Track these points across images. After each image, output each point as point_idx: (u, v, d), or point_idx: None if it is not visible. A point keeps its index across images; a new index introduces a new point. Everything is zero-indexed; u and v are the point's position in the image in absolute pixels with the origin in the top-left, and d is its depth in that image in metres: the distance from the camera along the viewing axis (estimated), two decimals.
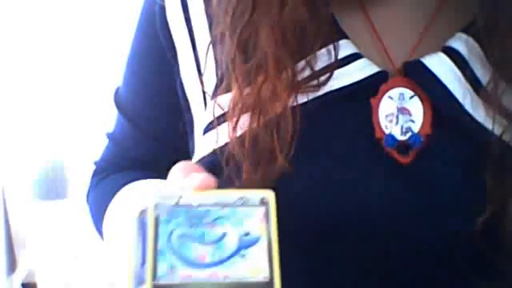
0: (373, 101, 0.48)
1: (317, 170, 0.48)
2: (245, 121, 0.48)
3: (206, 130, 0.52)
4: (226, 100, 0.49)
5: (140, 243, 0.37)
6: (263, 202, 0.38)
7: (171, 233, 0.36)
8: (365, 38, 0.50)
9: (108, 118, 0.65)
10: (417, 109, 0.48)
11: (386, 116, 0.48)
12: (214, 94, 0.51)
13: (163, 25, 0.54)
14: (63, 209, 1.79)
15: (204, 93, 0.53)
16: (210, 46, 0.52)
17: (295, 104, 0.47)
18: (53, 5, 1.84)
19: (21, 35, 1.85)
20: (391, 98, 0.48)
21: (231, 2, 0.48)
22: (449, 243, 0.47)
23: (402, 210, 0.47)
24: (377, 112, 0.48)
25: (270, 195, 0.38)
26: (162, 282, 0.35)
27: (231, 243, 0.37)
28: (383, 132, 0.48)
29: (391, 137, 0.47)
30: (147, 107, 0.59)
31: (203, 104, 0.53)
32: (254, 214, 0.38)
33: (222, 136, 0.50)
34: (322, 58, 0.48)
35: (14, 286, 1.80)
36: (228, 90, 0.49)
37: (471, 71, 0.48)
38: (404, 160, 0.47)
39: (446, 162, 0.47)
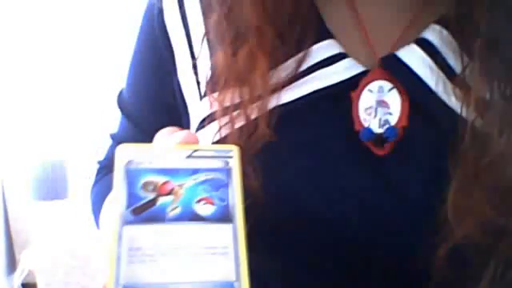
0: (353, 94, 0.49)
1: (293, 163, 0.49)
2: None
3: (198, 128, 0.53)
4: (217, 98, 0.51)
5: (124, 190, 0.40)
6: (228, 156, 0.42)
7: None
8: (351, 35, 0.51)
9: (108, 119, 0.66)
10: (395, 101, 0.49)
11: (366, 109, 0.49)
12: (208, 88, 0.52)
13: (161, 27, 0.55)
14: (63, 209, 1.79)
15: (199, 90, 0.54)
16: (205, 38, 0.53)
17: (274, 105, 0.49)
18: (54, 4, 1.84)
19: (22, 35, 1.85)
20: (371, 91, 0.49)
21: None
22: (422, 234, 0.46)
23: (377, 202, 0.47)
24: (357, 105, 0.49)
25: (235, 149, 0.42)
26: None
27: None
28: (362, 125, 0.48)
29: (368, 130, 0.48)
30: (148, 109, 0.60)
31: (199, 100, 0.54)
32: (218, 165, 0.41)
33: (213, 133, 0.51)
34: (304, 61, 0.50)
35: (14, 286, 1.80)
36: (215, 90, 0.51)
37: (443, 59, 0.48)
38: (380, 152, 0.48)
39: (420, 154, 0.48)
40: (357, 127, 0.48)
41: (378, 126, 0.48)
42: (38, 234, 1.80)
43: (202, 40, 0.53)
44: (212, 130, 0.51)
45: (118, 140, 0.64)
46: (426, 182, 0.47)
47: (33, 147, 1.85)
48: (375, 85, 0.49)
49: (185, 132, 0.43)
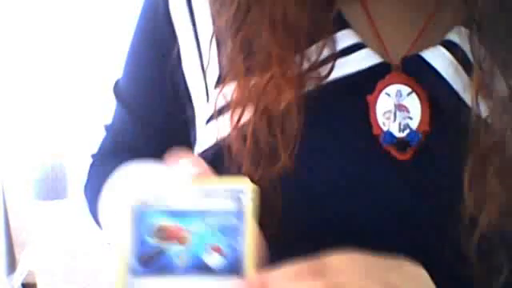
0: (370, 98, 0.48)
1: (317, 168, 0.48)
2: (246, 117, 0.48)
3: (209, 120, 0.52)
4: (229, 91, 0.49)
5: (132, 234, 0.38)
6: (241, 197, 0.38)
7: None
8: (364, 33, 0.50)
9: (108, 119, 0.65)
10: (414, 106, 0.48)
11: (384, 113, 0.48)
12: (217, 85, 0.51)
13: (166, 16, 0.54)
14: (63, 209, 1.79)
15: (206, 84, 0.53)
16: (213, 38, 0.52)
17: (299, 96, 0.47)
18: (52, 3, 1.84)
19: (20, 36, 1.84)
20: (388, 94, 0.48)
21: (228, 3, 0.49)
22: (448, 240, 0.46)
23: (402, 207, 0.47)
24: (374, 109, 0.48)
25: (252, 188, 0.39)
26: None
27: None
28: (381, 129, 0.48)
29: (389, 134, 0.47)
30: (147, 97, 0.59)
31: (205, 95, 0.53)
32: (231, 209, 0.38)
33: (224, 126, 0.50)
34: (323, 50, 0.48)
35: (14, 286, 1.80)
36: (231, 81, 0.49)
37: (470, 63, 0.47)
38: (403, 157, 0.47)
39: (445, 159, 0.47)
40: (376, 131, 0.48)
41: (397, 130, 0.47)
42: (37, 234, 1.80)
43: (211, 42, 0.52)
44: (225, 121, 0.49)
45: (112, 131, 0.64)
46: (453, 187, 0.46)
47: (33, 147, 1.84)
48: (393, 88, 0.48)
49: (194, 165, 0.40)
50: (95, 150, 0.66)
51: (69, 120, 1.86)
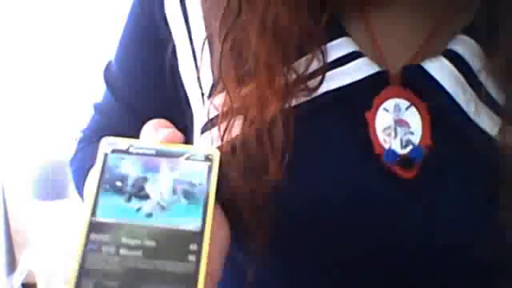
0: (368, 115, 0.46)
1: (316, 184, 0.46)
2: (235, 128, 0.47)
3: (203, 130, 0.51)
4: (220, 101, 0.48)
5: (101, 177, 0.41)
6: (208, 159, 0.42)
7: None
8: (362, 42, 0.48)
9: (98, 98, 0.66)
10: (415, 119, 0.46)
11: (384, 129, 0.46)
12: (210, 94, 0.50)
13: (161, 14, 0.54)
14: (63, 209, 1.78)
15: (202, 92, 0.52)
16: (206, 43, 0.51)
17: (287, 107, 0.46)
18: (56, 5, 1.84)
19: (21, 36, 1.84)
20: (386, 110, 0.46)
21: (220, 5, 0.48)
22: (452, 258, 0.45)
23: (408, 226, 0.45)
24: (373, 126, 0.46)
25: (214, 153, 0.42)
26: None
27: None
28: (382, 147, 0.45)
29: (391, 151, 0.45)
30: (138, 88, 0.59)
31: (201, 101, 0.52)
32: (197, 167, 0.41)
33: (217, 137, 0.49)
34: (312, 63, 0.46)
35: (14, 286, 1.80)
36: (221, 89, 0.48)
37: (473, 74, 0.45)
38: (407, 174, 0.45)
39: (451, 175, 0.45)
40: (377, 150, 0.45)
41: (400, 146, 0.45)
42: (38, 234, 1.80)
43: (203, 47, 0.51)
44: (217, 133, 0.49)
45: (99, 112, 0.64)
46: (463, 206, 0.44)
47: (33, 147, 1.84)
48: (391, 103, 0.46)
49: (170, 130, 0.43)
50: (83, 125, 0.68)
51: (69, 120, 1.85)
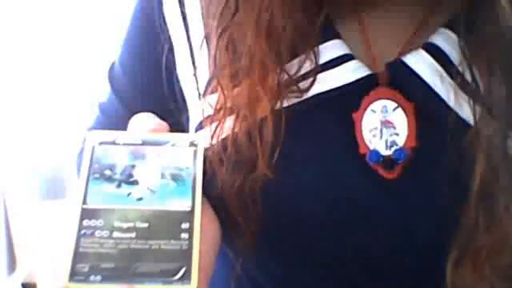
0: (355, 115, 0.47)
1: (303, 183, 0.47)
2: (227, 126, 0.48)
3: (198, 128, 0.52)
4: (214, 100, 0.49)
5: (89, 168, 0.42)
6: (193, 144, 0.43)
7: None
8: (356, 43, 0.49)
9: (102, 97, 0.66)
10: (401, 121, 0.46)
11: (370, 130, 0.47)
12: (205, 92, 0.51)
13: (160, 18, 0.54)
14: (63, 209, 1.78)
15: (199, 91, 0.53)
16: (204, 43, 0.51)
17: (278, 107, 0.47)
18: (53, 5, 1.84)
19: (23, 37, 1.85)
20: (374, 111, 0.47)
21: (218, 3, 0.48)
22: (436, 259, 0.45)
23: (390, 226, 0.46)
24: (360, 127, 0.47)
25: (198, 138, 0.44)
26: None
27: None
28: (367, 147, 0.47)
29: (375, 152, 0.46)
30: (143, 91, 0.59)
31: (198, 100, 0.53)
32: (183, 152, 0.43)
33: (209, 136, 0.50)
34: (305, 64, 0.47)
35: (14, 286, 1.80)
36: (215, 90, 0.49)
37: (453, 66, 0.46)
38: (390, 175, 0.46)
39: (432, 175, 0.45)
40: (362, 150, 0.46)
41: (384, 147, 0.47)
42: (38, 234, 1.80)
43: (201, 46, 0.51)
44: (211, 131, 0.49)
45: (105, 111, 0.65)
46: (442, 206, 0.44)
47: (33, 148, 1.84)
48: (378, 104, 0.47)
49: (155, 121, 0.44)
50: (89, 124, 0.69)
51: (69, 121, 1.86)
